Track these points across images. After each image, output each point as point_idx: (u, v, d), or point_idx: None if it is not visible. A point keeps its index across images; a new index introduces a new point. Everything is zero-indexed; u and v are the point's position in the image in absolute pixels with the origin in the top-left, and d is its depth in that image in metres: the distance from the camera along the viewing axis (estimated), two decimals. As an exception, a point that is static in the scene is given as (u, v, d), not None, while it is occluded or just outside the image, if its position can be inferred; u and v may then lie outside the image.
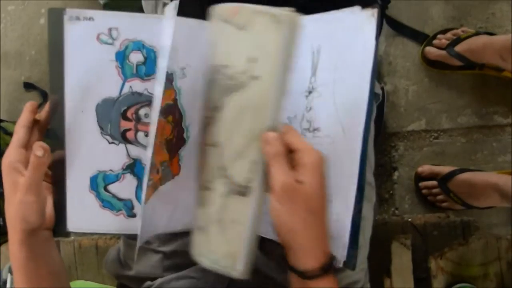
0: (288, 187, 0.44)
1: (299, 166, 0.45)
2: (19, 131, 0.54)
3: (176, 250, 0.64)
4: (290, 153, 0.46)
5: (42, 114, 0.57)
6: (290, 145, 0.46)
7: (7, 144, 1.12)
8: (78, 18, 0.54)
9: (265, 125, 0.46)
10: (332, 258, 0.47)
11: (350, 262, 0.51)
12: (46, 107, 0.57)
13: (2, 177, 0.52)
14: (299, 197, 0.44)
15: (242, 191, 0.48)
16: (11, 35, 1.47)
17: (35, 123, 0.56)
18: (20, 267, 0.53)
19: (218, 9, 0.52)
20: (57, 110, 0.55)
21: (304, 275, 0.46)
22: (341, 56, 0.53)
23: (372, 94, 0.50)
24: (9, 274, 0.96)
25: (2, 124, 1.21)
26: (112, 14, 0.56)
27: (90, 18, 0.54)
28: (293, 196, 0.44)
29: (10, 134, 1.16)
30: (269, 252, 0.62)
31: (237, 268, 0.49)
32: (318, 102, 0.55)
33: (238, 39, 0.48)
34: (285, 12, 0.45)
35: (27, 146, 0.53)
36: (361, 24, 0.50)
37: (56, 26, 0.54)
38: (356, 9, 0.51)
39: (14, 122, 1.28)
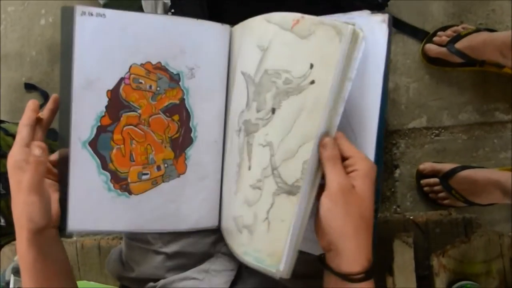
0: (344, 188, 0.45)
1: (352, 171, 0.46)
2: (22, 130, 0.54)
3: (179, 251, 0.64)
4: (342, 159, 0.47)
5: (45, 113, 0.57)
6: (342, 151, 0.47)
7: (8, 146, 1.13)
8: (91, 14, 0.55)
9: (320, 128, 0.47)
10: (373, 265, 0.47)
11: None
12: (48, 105, 0.58)
13: (8, 176, 0.52)
14: (353, 200, 0.45)
15: (291, 190, 0.49)
16: (11, 36, 1.47)
17: (38, 121, 0.56)
18: (28, 267, 0.54)
19: (276, 17, 0.52)
20: (63, 108, 0.56)
21: (348, 278, 0.46)
22: None
23: (385, 100, 0.50)
24: (12, 275, 0.96)
25: (3, 125, 1.21)
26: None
27: (103, 15, 0.55)
28: (348, 199, 0.45)
29: (12, 135, 1.16)
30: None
31: (281, 267, 0.49)
32: None
33: (300, 47, 0.50)
34: (346, 25, 0.46)
35: (30, 144, 0.54)
36: (371, 29, 0.50)
37: (67, 23, 0.55)
38: (365, 13, 0.51)
39: (15, 123, 1.28)
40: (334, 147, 0.47)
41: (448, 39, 1.08)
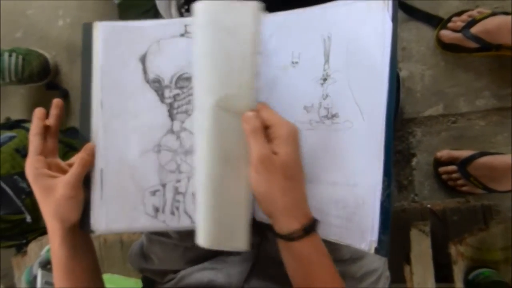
0: (264, 157, 0.48)
1: (274, 138, 0.49)
2: (33, 140, 0.56)
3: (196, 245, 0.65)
4: (266, 128, 0.49)
5: (51, 120, 0.59)
6: (265, 121, 0.49)
7: (32, 145, 1.15)
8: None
9: None
10: (313, 220, 0.50)
11: (382, 248, 0.51)
12: (52, 111, 0.60)
13: (31, 184, 0.55)
14: (275, 166, 0.48)
15: None
16: (30, 38, 1.50)
17: (46, 129, 0.58)
18: (59, 265, 0.56)
19: None
20: (84, 112, 0.60)
21: (288, 237, 0.49)
22: (352, 41, 0.54)
23: (394, 76, 0.51)
24: (39, 269, 1.00)
25: (27, 125, 1.25)
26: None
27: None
28: (270, 165, 0.48)
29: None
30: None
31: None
32: (333, 88, 0.56)
33: None
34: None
35: (44, 152, 0.57)
36: (372, 13, 0.51)
37: (87, 35, 0.61)
38: None
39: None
40: (254, 120, 0.49)
41: (463, 24, 1.06)
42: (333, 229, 0.54)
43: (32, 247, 1.11)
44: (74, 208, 0.55)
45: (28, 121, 1.32)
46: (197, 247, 0.65)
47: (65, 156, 1.23)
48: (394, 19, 0.50)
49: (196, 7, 0.52)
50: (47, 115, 0.59)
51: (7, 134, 1.15)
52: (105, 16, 1.42)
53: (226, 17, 0.51)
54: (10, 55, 1.33)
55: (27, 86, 1.47)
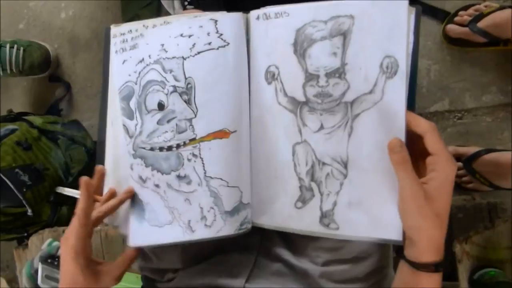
0: (416, 196, 0.45)
1: (431, 171, 0.45)
2: (84, 219, 0.57)
3: (195, 244, 0.65)
4: (424, 154, 0.47)
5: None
6: (427, 145, 0.46)
7: (33, 138, 1.15)
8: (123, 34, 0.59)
9: None
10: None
11: None
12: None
13: (70, 262, 0.55)
14: (426, 204, 0.45)
15: None
16: (33, 30, 1.50)
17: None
18: None
19: None
20: (102, 117, 0.61)
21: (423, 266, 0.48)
22: None
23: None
24: (40, 263, 0.99)
25: (28, 118, 1.24)
26: None
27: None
28: (421, 207, 0.45)
29: (36, 128, 1.19)
30: (290, 242, 0.63)
31: None
32: None
33: None
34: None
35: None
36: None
37: (106, 40, 0.60)
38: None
39: (39, 115, 1.31)
40: (402, 149, 0.46)
41: (470, 18, 1.05)
42: None
43: (33, 240, 1.11)
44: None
45: (28, 114, 1.31)
46: (194, 246, 0.65)
47: (67, 149, 1.22)
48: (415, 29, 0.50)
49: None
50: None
51: (9, 126, 1.14)
52: (108, 10, 1.41)
53: (379, 19, 0.49)
54: (11, 47, 1.32)
55: (29, 78, 1.46)
